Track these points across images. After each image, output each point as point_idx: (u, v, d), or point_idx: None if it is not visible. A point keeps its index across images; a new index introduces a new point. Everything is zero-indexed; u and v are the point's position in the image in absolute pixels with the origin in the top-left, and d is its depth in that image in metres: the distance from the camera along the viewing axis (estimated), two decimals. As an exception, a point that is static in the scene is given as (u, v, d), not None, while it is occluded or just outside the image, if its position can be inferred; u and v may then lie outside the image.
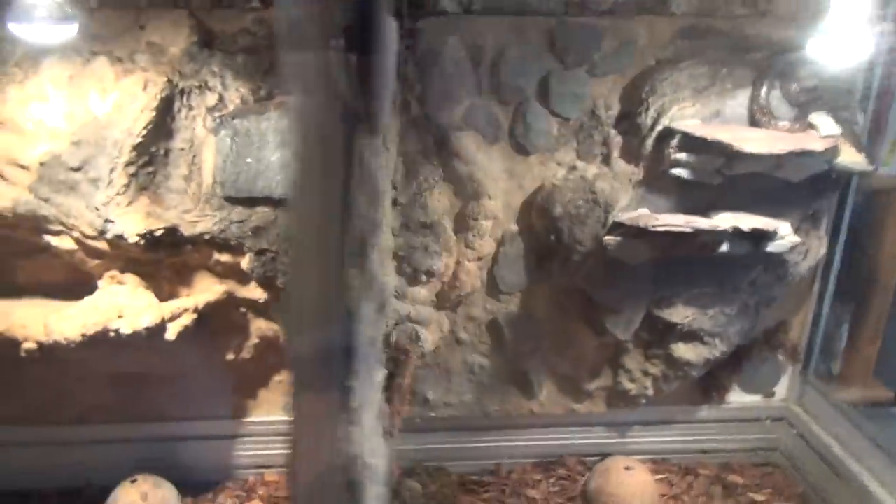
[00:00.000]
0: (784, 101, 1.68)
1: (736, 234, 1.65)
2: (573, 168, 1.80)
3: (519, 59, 1.69)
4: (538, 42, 1.70)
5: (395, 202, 1.73)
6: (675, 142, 1.62)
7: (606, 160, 1.78)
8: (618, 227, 1.68)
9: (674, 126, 1.62)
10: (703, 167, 1.62)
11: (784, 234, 1.69)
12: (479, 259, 1.85)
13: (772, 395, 2.18)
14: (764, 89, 1.64)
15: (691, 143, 1.60)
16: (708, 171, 1.63)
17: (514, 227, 1.84)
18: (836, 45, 1.36)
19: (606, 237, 1.68)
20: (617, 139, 1.76)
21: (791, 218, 1.75)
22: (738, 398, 2.16)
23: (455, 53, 1.69)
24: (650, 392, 1.99)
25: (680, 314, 1.84)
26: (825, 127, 1.60)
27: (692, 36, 1.74)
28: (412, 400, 1.97)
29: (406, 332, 1.82)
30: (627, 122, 1.74)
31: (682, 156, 1.61)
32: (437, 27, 1.67)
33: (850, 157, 1.66)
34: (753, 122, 1.67)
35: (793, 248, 1.71)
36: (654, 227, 1.59)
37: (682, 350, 1.90)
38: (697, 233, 1.64)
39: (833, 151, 1.64)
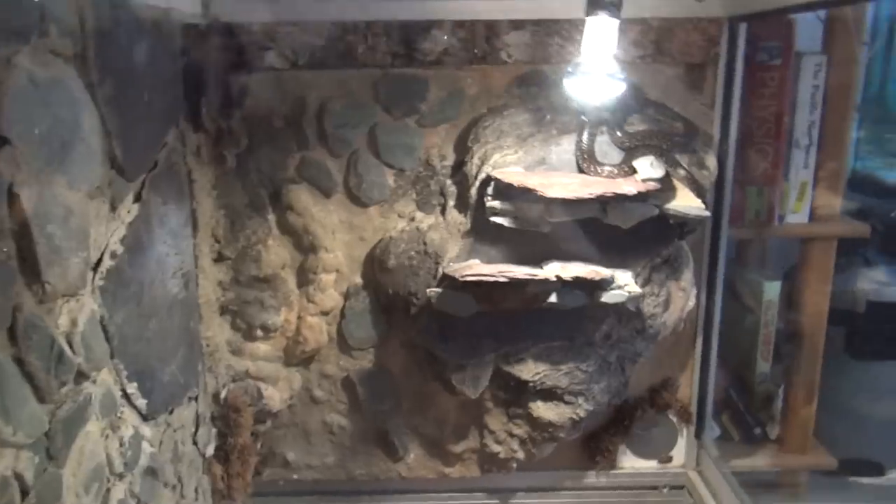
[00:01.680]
0: (613, 147, 1.62)
1: (566, 284, 1.58)
2: (412, 219, 1.77)
3: (343, 112, 1.70)
4: (363, 94, 1.71)
5: (220, 256, 1.72)
6: (490, 189, 1.58)
7: (443, 211, 1.74)
8: (444, 279, 1.63)
9: (492, 173, 1.58)
10: (522, 215, 1.57)
11: (623, 283, 1.61)
12: (324, 314, 1.82)
13: (668, 460, 2.03)
14: (586, 135, 1.59)
15: (505, 190, 1.55)
16: (529, 219, 1.57)
17: (359, 281, 1.81)
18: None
19: (429, 290, 1.63)
20: (451, 189, 1.73)
21: (636, 267, 1.66)
22: (631, 463, 2.03)
23: (281, 108, 1.71)
24: (520, 455, 1.89)
25: (530, 370, 1.75)
26: (644, 171, 1.53)
27: (526, 84, 1.72)
28: (269, 461, 1.92)
29: (245, 389, 1.78)
30: (460, 171, 1.71)
31: (497, 203, 1.56)
32: (263, 82, 1.70)
33: (685, 202, 1.58)
34: (579, 168, 1.61)
35: (632, 298, 1.62)
36: (463, 276, 1.54)
37: (542, 409, 1.80)
38: (525, 283, 1.58)
39: (664, 196, 1.57)
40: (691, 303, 1.81)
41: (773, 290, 2.16)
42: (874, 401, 2.37)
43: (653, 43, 1.70)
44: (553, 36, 1.68)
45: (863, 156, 2.76)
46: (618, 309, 1.69)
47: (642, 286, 1.69)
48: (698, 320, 1.90)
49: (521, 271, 1.56)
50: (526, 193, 1.51)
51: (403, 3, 1.66)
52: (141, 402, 1.33)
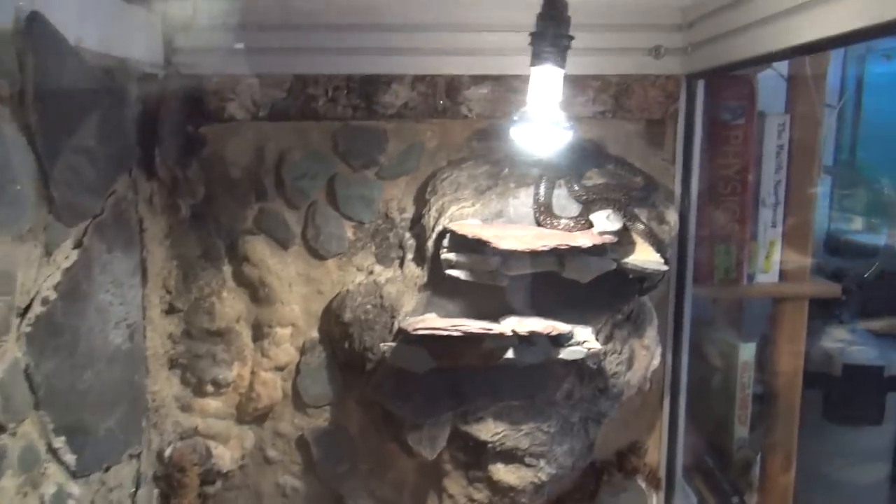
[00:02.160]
0: (571, 200, 1.61)
1: (523, 339, 1.54)
2: (371, 272, 1.74)
3: (302, 163, 1.69)
4: (322, 146, 1.70)
5: (171, 308, 1.68)
6: (445, 242, 1.56)
7: (402, 264, 1.72)
8: (399, 333, 1.59)
9: (448, 226, 1.56)
10: (478, 268, 1.54)
11: (582, 339, 1.57)
12: (279, 369, 1.76)
13: (639, 528, 1.94)
14: (543, 188, 1.58)
15: (460, 242, 1.53)
16: (485, 272, 1.54)
17: (316, 335, 1.77)
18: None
19: (383, 344, 1.58)
20: (410, 242, 1.71)
21: (596, 323, 1.62)
22: (600, 532, 1.94)
23: (239, 159, 1.70)
24: (482, 521, 1.80)
25: (489, 430, 1.68)
26: (600, 224, 1.52)
27: (486, 137, 1.72)
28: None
29: (193, 447, 1.71)
30: (419, 224, 1.69)
31: (453, 256, 1.53)
32: (222, 133, 1.69)
33: (643, 257, 1.55)
34: (537, 221, 1.59)
35: (592, 355, 1.57)
36: (415, 330, 1.50)
37: (503, 473, 1.72)
38: (481, 338, 1.53)
39: (622, 251, 1.54)
40: (656, 361, 1.76)
41: (747, 351, 2.12)
42: (852, 466, 2.30)
43: (612, 99, 1.72)
44: (513, 91, 1.69)
45: (838, 218, 2.77)
46: (579, 367, 1.65)
47: (604, 343, 1.65)
48: (665, 380, 1.85)
49: (475, 325, 1.52)
50: (481, 245, 1.48)
51: (365, 58, 1.68)
52: (70, 458, 1.27)
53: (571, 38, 1.20)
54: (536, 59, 1.20)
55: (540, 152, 1.38)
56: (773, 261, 2.01)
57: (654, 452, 1.90)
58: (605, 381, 1.69)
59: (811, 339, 2.15)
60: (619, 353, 1.68)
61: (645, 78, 1.71)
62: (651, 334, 1.74)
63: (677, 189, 1.76)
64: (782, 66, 1.97)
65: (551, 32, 1.18)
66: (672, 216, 1.69)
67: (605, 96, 1.71)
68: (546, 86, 1.22)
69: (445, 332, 1.50)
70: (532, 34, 1.19)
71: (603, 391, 1.70)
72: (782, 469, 2.10)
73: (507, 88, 1.69)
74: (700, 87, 1.71)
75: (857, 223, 2.66)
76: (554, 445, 1.72)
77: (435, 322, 1.53)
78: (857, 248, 2.57)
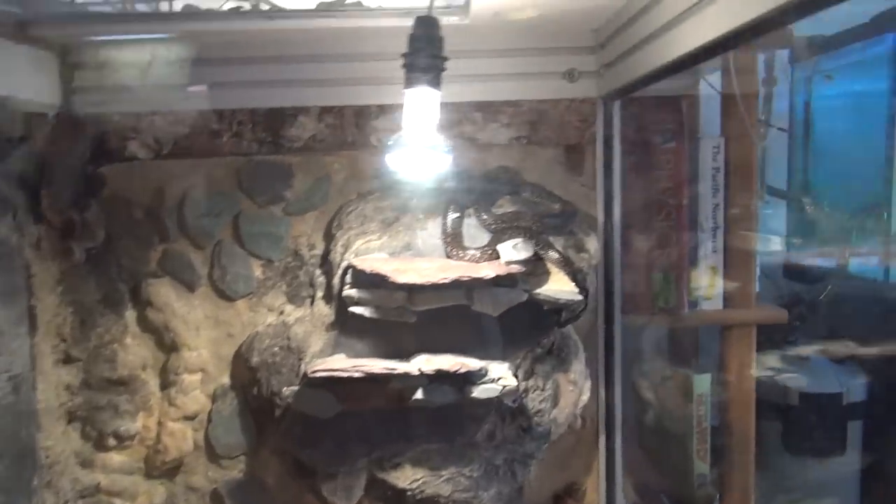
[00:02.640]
0: (482, 230, 1.54)
1: (433, 378, 1.45)
2: (282, 313, 1.66)
3: (204, 201, 1.63)
4: (226, 183, 1.64)
5: (68, 357, 1.60)
6: (347, 277, 1.48)
7: (313, 302, 1.64)
8: (304, 377, 1.51)
9: (352, 261, 1.49)
10: (383, 304, 1.46)
11: (496, 376, 1.48)
12: (188, 418, 1.67)
13: (583, 576, 1.83)
14: (450, 218, 1.52)
15: (363, 278, 1.45)
16: (391, 308, 1.46)
17: (227, 381, 1.68)
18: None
19: (285, 388, 1.50)
20: (321, 279, 1.64)
21: (514, 358, 1.54)
22: (541, 580, 1.82)
23: (141, 199, 1.63)
24: (408, 576, 1.69)
25: (407, 477, 1.58)
26: (506, 254, 1.44)
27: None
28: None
29: (95, 505, 1.61)
30: (328, 260, 1.62)
31: (355, 292, 1.46)
32: (123, 172, 1.63)
33: (557, 287, 1.48)
34: (446, 252, 1.52)
35: (508, 392, 1.49)
36: (312, 372, 1.42)
37: (426, 522, 1.62)
38: (386, 378, 1.45)
39: (535, 281, 1.47)
40: (585, 396, 1.67)
41: (703, 383, 2.03)
42: (815, 499, 2.19)
43: (527, 124, 1.66)
44: (423, 120, 1.64)
45: (794, 243, 2.71)
46: (499, 405, 1.56)
47: (524, 379, 1.56)
48: (599, 416, 1.76)
49: (379, 366, 1.43)
50: (383, 281, 1.41)
51: (269, 91, 1.63)
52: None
53: (445, 59, 1.15)
54: (410, 81, 1.14)
55: (417, 177, 1.32)
56: (715, 287, 1.94)
57: (593, 493, 1.80)
58: (528, 419, 1.60)
59: (765, 368, 2.07)
60: (543, 390, 1.60)
61: (559, 102, 1.65)
62: (578, 368, 1.66)
63: (600, 216, 1.69)
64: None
65: (424, 53, 1.12)
66: (592, 244, 1.62)
67: (520, 122, 1.66)
68: (421, 109, 1.16)
69: (346, 374, 1.41)
70: (404, 55, 1.14)
71: (527, 430, 1.61)
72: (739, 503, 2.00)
73: (417, 117, 1.64)
74: (616, 109, 1.66)
75: (812, 246, 2.59)
76: (479, 491, 1.62)
77: (335, 363, 1.45)
78: (812, 271, 2.49)
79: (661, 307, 1.87)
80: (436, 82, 1.15)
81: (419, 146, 1.17)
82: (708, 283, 1.94)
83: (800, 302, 2.33)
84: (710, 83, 1.92)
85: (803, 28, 1.98)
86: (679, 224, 1.86)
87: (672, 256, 1.87)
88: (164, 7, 1.58)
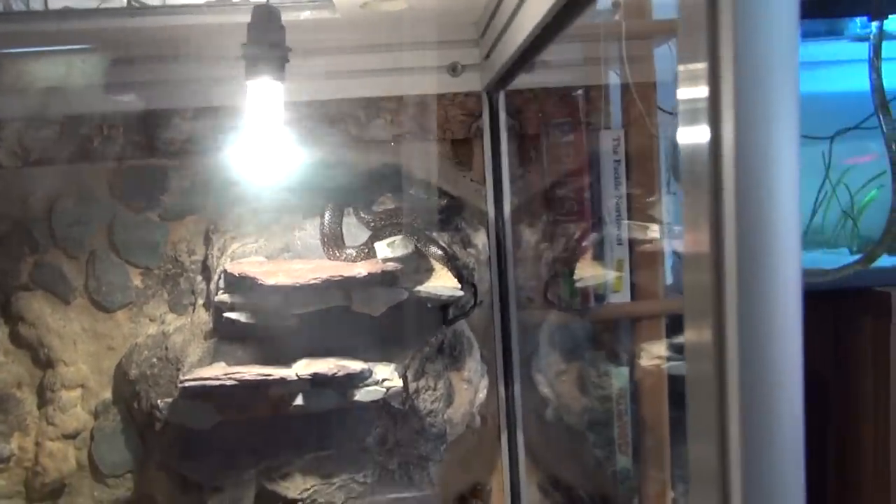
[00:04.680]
0: (363, 228, 1.51)
1: (314, 383, 1.42)
2: (164, 322, 1.61)
3: (75, 209, 1.57)
4: (97, 189, 1.58)
5: (-68, 377, 1.53)
6: (220, 282, 1.44)
7: (194, 310, 1.59)
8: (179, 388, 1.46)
9: (226, 265, 1.45)
10: (259, 308, 1.42)
11: (381, 377, 1.45)
12: (68, 437, 1.61)
13: (492, 578, 1.81)
14: (328, 217, 1.48)
15: (236, 282, 1.41)
16: (267, 312, 1.42)
17: (109, 396, 1.62)
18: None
19: (160, 400, 1.45)
20: (201, 286, 1.59)
21: (402, 359, 1.51)
22: (450, 585, 1.80)
23: (8, 209, 1.57)
24: (308, 588, 1.65)
25: (297, 486, 1.55)
26: (382, 251, 1.42)
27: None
28: None
29: (-33, 533, 1.54)
30: (206, 266, 1.58)
31: (227, 297, 1.42)
32: (-15, 182, 1.56)
33: (438, 283, 1.46)
34: (325, 253, 1.49)
35: (393, 394, 1.46)
36: (182, 382, 1.37)
37: (321, 531, 1.58)
38: (265, 385, 1.41)
39: (415, 278, 1.45)
40: (481, 395, 1.65)
41: (621, 376, 2.02)
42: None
43: (412, 120, 1.63)
44: (304, 118, 1.60)
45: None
46: (390, 408, 1.53)
47: (414, 379, 1.54)
48: (499, 413, 1.74)
49: (253, 372, 1.39)
50: (253, 284, 1.37)
51: (142, 93, 1.57)
52: None
53: (288, 49, 1.11)
54: (251, 72, 1.10)
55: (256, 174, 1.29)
56: (622, 279, 1.93)
57: (499, 493, 1.78)
58: (420, 420, 1.57)
59: (677, 356, 2.07)
60: (434, 389, 1.57)
61: (444, 97, 1.63)
62: (472, 366, 1.64)
63: (490, 210, 1.67)
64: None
65: (265, 42, 1.08)
66: (481, 239, 1.61)
67: (404, 118, 1.63)
68: (265, 102, 1.12)
69: (218, 382, 1.37)
70: (243, 45, 1.10)
71: (420, 432, 1.58)
72: (658, 497, 2.00)
73: (296, 114, 1.60)
74: (501, 101, 1.64)
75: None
76: (374, 496, 1.59)
77: (208, 372, 1.40)
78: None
79: (566, 299, 1.87)
80: (279, 74, 1.11)
81: (262, 141, 1.13)
82: (615, 276, 1.94)
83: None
84: (607, 75, 1.92)
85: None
86: (581, 217, 1.85)
87: (574, 249, 1.86)
88: (36, 6, 1.52)
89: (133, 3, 1.49)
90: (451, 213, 1.56)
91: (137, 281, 1.61)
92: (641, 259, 1.91)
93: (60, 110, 1.57)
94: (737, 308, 0.45)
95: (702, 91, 0.47)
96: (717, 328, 0.46)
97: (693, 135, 0.49)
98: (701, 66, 0.47)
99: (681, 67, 0.50)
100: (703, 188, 0.47)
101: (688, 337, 0.51)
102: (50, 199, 1.57)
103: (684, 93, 0.50)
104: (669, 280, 2.06)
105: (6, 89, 1.56)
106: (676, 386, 2.04)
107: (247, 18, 1.43)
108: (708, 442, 0.47)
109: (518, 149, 1.75)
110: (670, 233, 2.28)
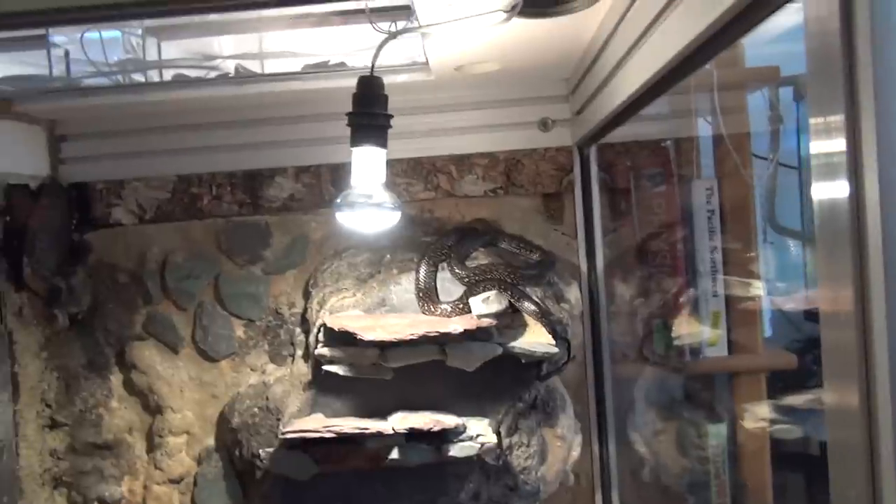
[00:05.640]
0: (456, 283, 1.51)
1: (410, 437, 1.41)
2: (264, 372, 1.65)
3: (186, 264, 1.64)
4: (206, 244, 1.66)
5: (53, 423, 1.60)
6: (319, 335, 1.46)
7: (293, 361, 1.62)
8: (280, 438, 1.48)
9: (325, 318, 1.47)
10: (357, 361, 1.44)
11: (475, 433, 1.43)
12: (174, 481, 1.65)
13: None
14: (423, 272, 1.49)
15: (335, 336, 1.43)
16: (365, 365, 1.44)
17: (212, 443, 1.66)
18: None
19: (261, 450, 1.47)
20: (300, 338, 1.62)
21: (495, 414, 1.49)
22: None
23: (125, 263, 1.66)
24: None
25: (391, 540, 1.53)
26: (477, 307, 1.41)
27: (376, 224, 1.65)
28: None
29: (78, 574, 1.59)
30: (306, 318, 1.61)
31: (327, 350, 1.43)
32: (106, 238, 1.66)
33: (532, 339, 1.44)
34: (420, 307, 1.50)
35: (487, 450, 1.43)
36: (283, 434, 1.39)
37: (413, 588, 1.55)
38: (362, 438, 1.41)
39: (510, 334, 1.43)
40: (575, 453, 1.60)
41: (718, 433, 1.93)
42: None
43: (503, 175, 1.65)
44: (398, 175, 1.64)
45: (813, 282, 2.59)
46: (484, 464, 1.50)
47: (508, 435, 1.51)
48: (593, 472, 1.68)
49: (350, 425, 1.40)
50: (352, 338, 1.39)
51: (247, 153, 1.65)
52: None
53: (390, 116, 1.15)
54: (355, 140, 1.14)
55: (365, 232, 1.31)
56: (719, 333, 1.86)
57: (594, 555, 1.70)
58: (514, 477, 1.53)
59: (788, 418, 1.96)
60: (528, 446, 1.53)
61: (534, 152, 1.64)
62: (566, 422, 1.59)
63: (582, 264, 1.65)
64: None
65: (368, 112, 1.12)
66: (573, 293, 1.58)
67: (495, 173, 1.64)
68: (367, 167, 1.15)
69: (317, 435, 1.38)
70: (348, 115, 1.14)
71: (514, 489, 1.54)
72: (764, 567, 1.87)
73: (392, 172, 1.64)
74: (593, 155, 1.64)
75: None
76: (468, 554, 1.55)
77: (307, 424, 1.42)
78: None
79: (661, 354, 1.81)
80: (381, 140, 1.14)
81: (366, 204, 1.16)
82: (711, 329, 1.86)
83: (818, 344, 2.21)
84: (699, 125, 1.89)
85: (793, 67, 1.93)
86: (675, 270, 1.80)
87: (669, 302, 1.81)
88: (154, 77, 1.64)
89: (241, 70, 1.58)
90: (544, 268, 1.54)
91: (240, 332, 1.66)
92: (738, 312, 1.83)
93: (173, 171, 1.67)
94: (889, 369, 0.42)
95: (838, 144, 0.45)
96: (864, 391, 0.43)
97: (830, 189, 0.46)
98: (837, 119, 0.45)
99: (812, 120, 0.48)
100: (843, 244, 0.45)
101: (829, 400, 0.48)
102: (164, 253, 1.65)
103: (818, 146, 0.48)
104: (769, 333, 1.97)
105: (125, 154, 1.67)
106: (782, 449, 1.92)
107: (339, 83, 1.50)
108: (858, 514, 0.43)
109: (609, 202, 1.73)
110: (769, 286, 2.19)
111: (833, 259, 0.46)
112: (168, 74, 1.60)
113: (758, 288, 1.88)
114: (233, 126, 1.64)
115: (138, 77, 1.61)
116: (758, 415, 1.87)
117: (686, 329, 1.81)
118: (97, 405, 1.63)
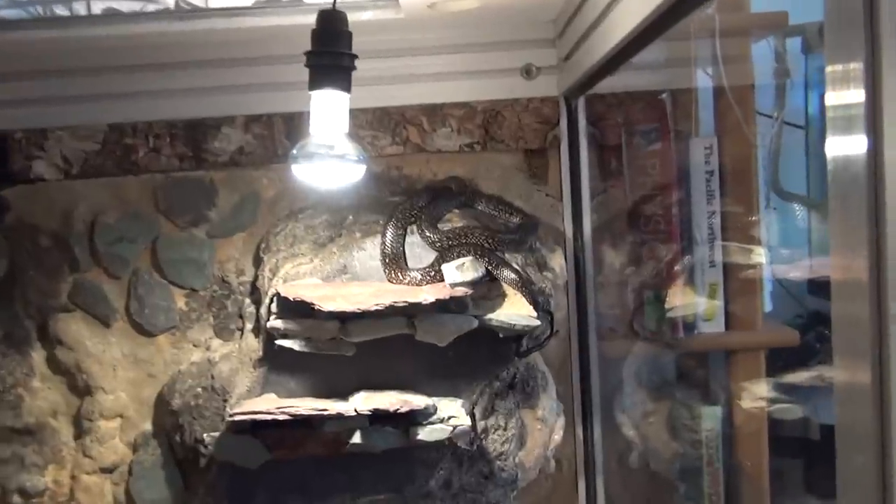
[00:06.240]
0: (427, 248, 1.51)
1: (373, 419, 1.43)
2: (208, 348, 1.64)
3: (117, 226, 1.62)
4: (141, 204, 1.63)
5: (-33, 404, 1.59)
6: (272, 306, 1.46)
7: (242, 336, 1.62)
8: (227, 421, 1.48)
9: (278, 287, 1.47)
10: (315, 335, 1.44)
11: (447, 414, 1.45)
12: (105, 471, 1.65)
13: None
14: (390, 236, 1.49)
15: (288, 306, 1.43)
16: (325, 340, 1.44)
17: (149, 428, 1.66)
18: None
19: (206, 435, 1.48)
20: (250, 309, 1.62)
21: (469, 394, 1.51)
22: None
23: (48, 224, 1.63)
24: None
25: (352, 533, 1.55)
26: (450, 275, 1.42)
27: (334, 182, 1.64)
28: None
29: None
30: (257, 287, 1.60)
31: (280, 323, 1.43)
32: (27, 195, 1.63)
33: (511, 311, 1.45)
34: (386, 275, 1.50)
35: (460, 433, 1.45)
36: (230, 416, 1.39)
37: (376, 585, 1.58)
38: (319, 420, 1.42)
39: (487, 305, 1.45)
40: (557, 437, 1.63)
41: (712, 416, 1.98)
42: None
43: (480, 128, 1.64)
44: (362, 127, 1.63)
45: (817, 251, 2.64)
46: (455, 449, 1.52)
47: (483, 418, 1.53)
48: (576, 458, 1.71)
49: (307, 406, 1.41)
50: (309, 309, 1.39)
51: (189, 100, 1.62)
52: None
53: (355, 56, 1.13)
54: (315, 82, 1.13)
55: (325, 188, 1.30)
56: (715, 306, 1.89)
57: (575, 546, 1.75)
58: (489, 464, 1.56)
59: (786, 398, 2.01)
60: (505, 429, 1.56)
61: (516, 102, 1.63)
62: (547, 404, 1.62)
63: (567, 228, 1.66)
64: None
65: (329, 51, 1.11)
66: (558, 261, 1.59)
67: (472, 126, 1.64)
68: (328, 113, 1.14)
69: (270, 417, 1.39)
70: (307, 54, 1.12)
71: (489, 476, 1.57)
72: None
73: (356, 124, 1.62)
74: (581, 107, 1.64)
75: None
76: (437, 547, 1.58)
77: (258, 405, 1.42)
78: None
79: (652, 329, 1.84)
80: (344, 84, 1.13)
81: (327, 155, 1.15)
82: (708, 302, 1.90)
83: (823, 320, 2.27)
84: (698, 76, 1.89)
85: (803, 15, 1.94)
86: (670, 236, 1.82)
87: (663, 272, 1.83)
88: (80, 10, 1.59)
89: (182, 4, 1.54)
90: (526, 233, 1.55)
91: (181, 303, 1.65)
92: (737, 284, 1.86)
93: (104, 120, 1.63)
94: (904, 344, 0.43)
95: (857, 94, 0.46)
96: (877, 368, 0.45)
97: (845, 145, 0.47)
98: (855, 66, 0.46)
99: (829, 68, 0.49)
100: (858, 205, 0.45)
101: (838, 377, 0.49)
102: (93, 213, 1.62)
103: (833, 97, 0.48)
104: (769, 308, 2.01)
105: (47, 99, 1.63)
106: (781, 431, 1.98)
107: (295, 20, 1.48)
108: (865, 500, 0.45)
109: (599, 160, 1.74)
110: (771, 254, 2.23)
111: (847, 223, 0.47)
112: (97, 7, 1.56)
113: (759, 257, 1.92)
114: (173, 69, 1.61)
115: (62, 10, 1.57)
116: (756, 394, 1.92)
117: (680, 301, 1.84)
118: (16, 385, 1.61)
